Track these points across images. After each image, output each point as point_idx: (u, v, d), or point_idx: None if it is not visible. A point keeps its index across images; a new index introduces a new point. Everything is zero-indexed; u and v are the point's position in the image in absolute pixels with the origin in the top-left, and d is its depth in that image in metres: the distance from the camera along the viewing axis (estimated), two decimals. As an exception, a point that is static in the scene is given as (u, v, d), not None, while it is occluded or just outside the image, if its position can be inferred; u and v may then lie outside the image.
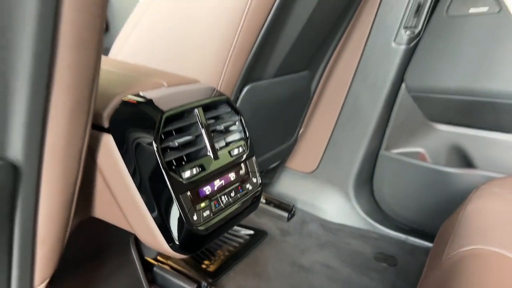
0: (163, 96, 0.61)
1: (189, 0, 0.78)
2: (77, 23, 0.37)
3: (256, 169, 0.70)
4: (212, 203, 0.60)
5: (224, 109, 0.67)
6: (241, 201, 0.65)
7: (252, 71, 0.88)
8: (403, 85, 1.33)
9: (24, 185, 0.41)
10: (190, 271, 1.09)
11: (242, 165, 0.67)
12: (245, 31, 0.75)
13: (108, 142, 0.56)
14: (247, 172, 0.68)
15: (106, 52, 0.86)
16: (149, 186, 0.55)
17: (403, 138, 1.41)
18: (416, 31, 1.24)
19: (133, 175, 0.56)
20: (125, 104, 0.57)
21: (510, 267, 0.62)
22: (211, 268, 1.14)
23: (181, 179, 0.55)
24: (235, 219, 0.64)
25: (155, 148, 0.53)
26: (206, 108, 0.63)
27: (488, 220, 0.75)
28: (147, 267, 1.03)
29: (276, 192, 1.59)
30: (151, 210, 0.56)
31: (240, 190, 0.66)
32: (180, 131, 0.59)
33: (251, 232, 1.34)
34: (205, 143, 0.60)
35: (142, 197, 0.56)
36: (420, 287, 0.71)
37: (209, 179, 0.60)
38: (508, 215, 0.75)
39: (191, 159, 0.58)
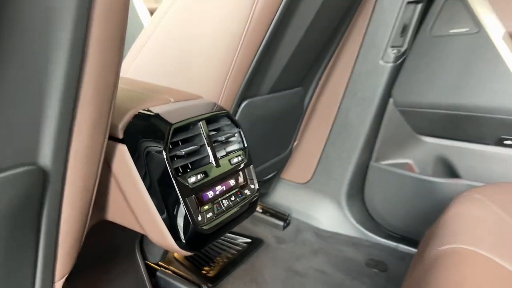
0: (170, 110, 0.65)
1: (191, 25, 0.82)
2: (102, 50, 0.42)
3: (253, 176, 0.74)
4: (215, 206, 0.64)
5: (224, 122, 0.72)
6: (240, 205, 0.69)
7: (250, 88, 0.92)
8: (391, 100, 1.36)
9: (51, 189, 0.44)
10: (192, 276, 1.12)
11: (241, 172, 0.71)
12: (244, 52, 0.80)
13: (122, 152, 0.61)
14: (245, 179, 0.72)
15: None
16: (159, 190, 0.59)
17: (392, 150, 1.43)
18: (402, 49, 1.28)
19: (144, 180, 0.60)
20: (137, 117, 0.62)
21: (486, 265, 0.65)
22: (211, 273, 1.16)
23: (187, 184, 0.60)
24: (234, 221, 0.68)
25: (165, 156, 0.58)
26: (209, 121, 0.68)
27: (467, 223, 0.78)
28: (150, 272, 1.06)
29: (272, 202, 1.61)
30: (160, 212, 0.60)
31: (239, 195, 0.70)
32: (186, 142, 0.63)
33: (249, 240, 1.36)
34: (208, 152, 0.65)
35: (153, 200, 0.60)
36: (403, 285, 0.74)
37: (211, 185, 0.64)
38: (485, 219, 0.79)
39: (195, 166, 0.63)
